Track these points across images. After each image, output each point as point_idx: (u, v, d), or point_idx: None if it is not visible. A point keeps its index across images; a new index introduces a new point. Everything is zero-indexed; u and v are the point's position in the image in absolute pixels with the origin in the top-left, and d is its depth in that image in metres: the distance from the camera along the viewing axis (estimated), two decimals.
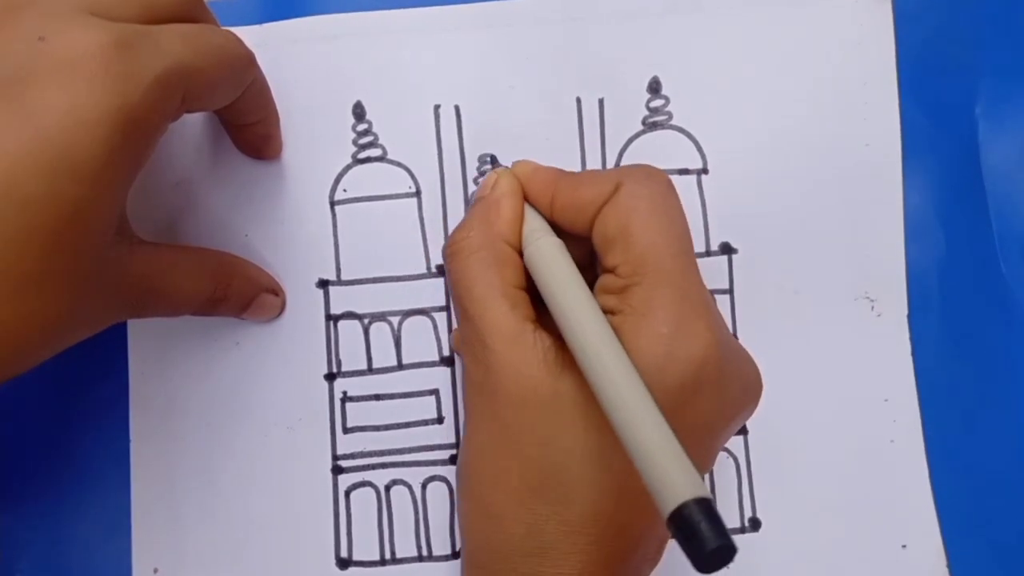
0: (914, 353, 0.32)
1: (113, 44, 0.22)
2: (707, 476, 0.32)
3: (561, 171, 0.28)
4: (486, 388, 0.25)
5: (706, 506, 0.19)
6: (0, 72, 0.21)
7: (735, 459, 0.32)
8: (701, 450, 0.25)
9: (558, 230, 0.27)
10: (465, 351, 0.26)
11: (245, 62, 0.27)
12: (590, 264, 0.28)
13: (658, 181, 0.26)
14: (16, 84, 0.21)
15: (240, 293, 0.30)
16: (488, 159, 0.32)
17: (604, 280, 0.26)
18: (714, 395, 0.24)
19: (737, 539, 0.30)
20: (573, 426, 0.24)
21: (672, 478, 0.20)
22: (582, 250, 0.27)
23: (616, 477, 0.24)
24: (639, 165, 0.27)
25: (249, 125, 0.30)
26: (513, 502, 0.24)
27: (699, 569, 0.19)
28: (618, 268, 0.25)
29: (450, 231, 0.32)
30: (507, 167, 0.29)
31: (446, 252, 0.28)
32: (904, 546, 0.31)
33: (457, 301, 0.27)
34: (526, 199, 0.28)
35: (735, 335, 0.32)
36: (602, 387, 0.22)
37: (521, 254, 0.27)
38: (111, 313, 0.26)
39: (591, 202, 0.26)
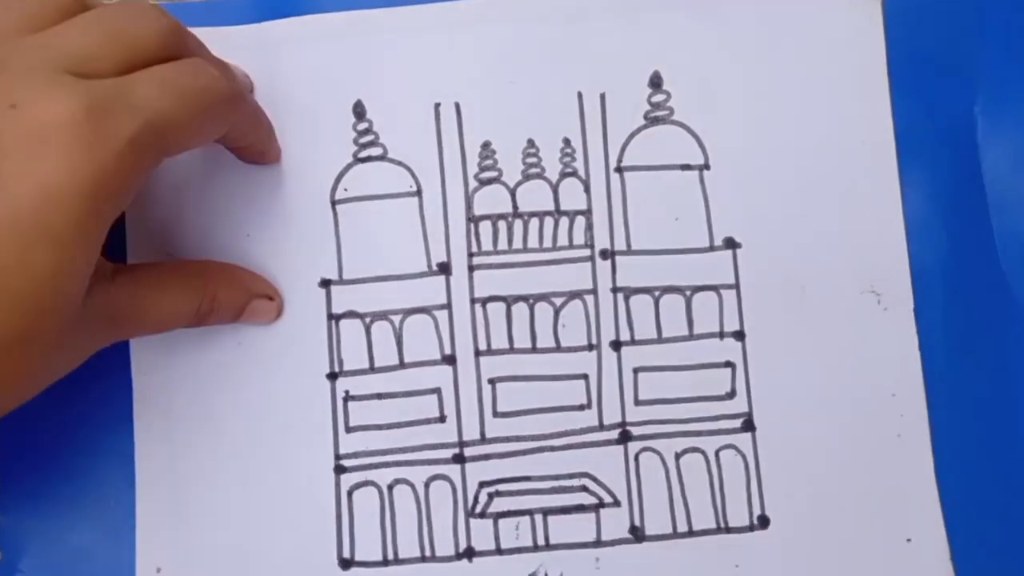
0: (921, 348, 0.32)
1: (84, 111, 0.22)
2: (715, 475, 0.31)
3: None
4: None
5: None
6: None
7: (743, 457, 0.32)
8: None
9: None
10: None
11: (230, 102, 0.27)
12: None
13: None
14: None
15: (228, 303, 0.30)
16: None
17: None
18: None
19: (744, 537, 0.31)
20: None
21: None
22: None
23: None
24: None
25: (242, 146, 0.30)
26: None
27: None
28: None
29: (451, 229, 0.32)
30: None
31: None
32: (909, 540, 0.31)
33: None
34: None
35: (742, 331, 0.32)
36: None
37: None
38: (95, 344, 0.26)
39: None
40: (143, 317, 0.28)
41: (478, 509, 0.31)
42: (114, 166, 0.22)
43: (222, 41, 0.30)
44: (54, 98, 0.22)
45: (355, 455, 0.31)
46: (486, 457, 0.31)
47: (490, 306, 0.32)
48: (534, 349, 0.32)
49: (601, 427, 0.32)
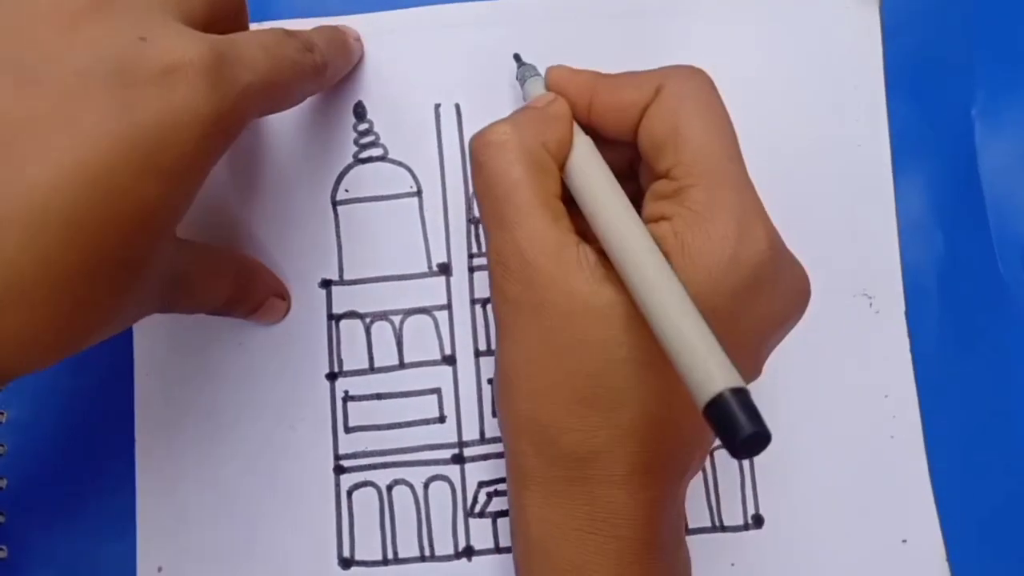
0: (913, 350, 0.32)
1: (210, 54, 0.23)
2: (709, 474, 0.32)
3: (598, 73, 0.27)
4: (527, 304, 0.24)
5: (741, 395, 0.19)
6: (104, 65, 0.22)
7: None
8: (753, 354, 0.25)
9: (596, 136, 0.26)
10: (496, 264, 0.25)
11: (319, 73, 0.28)
12: (630, 174, 0.27)
13: (702, 79, 0.26)
14: (118, 78, 0.22)
15: (255, 296, 0.31)
16: (519, 60, 0.31)
17: (656, 186, 0.25)
18: (769, 298, 0.24)
19: (739, 536, 0.31)
20: (625, 335, 0.23)
21: (707, 369, 0.20)
22: (622, 158, 0.26)
23: (667, 380, 0.23)
24: (680, 65, 0.26)
25: None
26: (563, 412, 0.24)
27: (734, 455, 0.19)
28: (672, 171, 0.24)
29: (451, 230, 0.32)
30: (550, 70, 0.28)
31: (477, 143, 0.25)
32: (904, 541, 0.31)
33: (489, 205, 0.25)
34: None
35: None
36: (635, 284, 0.22)
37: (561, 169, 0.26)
38: (147, 307, 0.26)
39: (633, 104, 0.25)
40: (192, 289, 0.28)
41: (477, 509, 0.32)
42: (230, 109, 0.23)
43: None
44: (181, 39, 0.23)
45: (354, 455, 0.32)
46: (485, 457, 0.32)
47: (490, 306, 0.32)
48: None
49: None
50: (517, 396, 0.25)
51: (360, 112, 0.33)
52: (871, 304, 0.32)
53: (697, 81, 0.26)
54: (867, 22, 0.33)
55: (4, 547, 0.31)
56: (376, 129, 0.33)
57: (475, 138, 0.25)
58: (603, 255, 0.24)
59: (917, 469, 0.32)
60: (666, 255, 0.23)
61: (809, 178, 0.33)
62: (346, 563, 0.31)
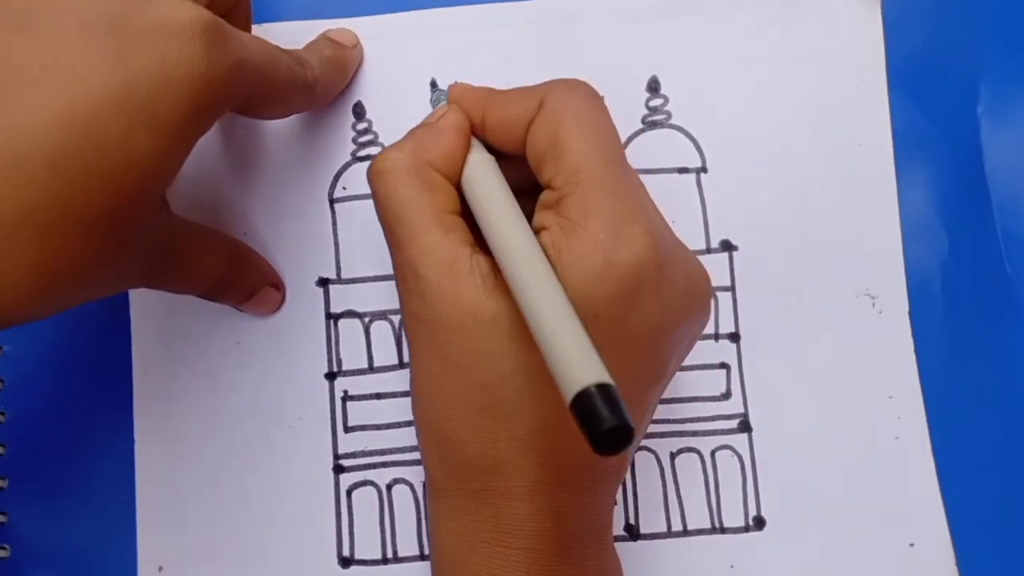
0: (918, 350, 0.32)
1: (210, 20, 0.23)
2: (711, 473, 0.32)
3: (491, 90, 0.28)
4: (424, 318, 0.25)
5: (605, 390, 0.19)
6: (103, 17, 0.22)
7: (739, 457, 0.32)
8: (651, 354, 0.25)
9: (496, 152, 0.27)
10: (399, 283, 0.26)
11: (309, 88, 0.28)
12: (536, 186, 0.27)
13: (581, 91, 0.26)
14: (116, 29, 0.22)
15: (247, 282, 0.31)
16: (433, 86, 0.32)
17: (542, 196, 0.26)
18: (656, 298, 0.24)
19: (740, 538, 0.31)
20: (512, 346, 0.24)
21: (573, 366, 0.20)
22: (527, 172, 0.26)
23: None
24: (562, 78, 0.27)
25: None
26: (462, 424, 0.25)
27: (596, 450, 0.19)
28: (552, 181, 0.25)
29: None
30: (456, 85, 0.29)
31: (368, 173, 0.27)
32: (912, 544, 0.31)
33: (385, 228, 0.26)
34: None
35: (737, 333, 0.32)
36: (513, 288, 0.23)
37: (456, 187, 0.26)
38: (136, 275, 0.26)
39: (519, 119, 0.26)
40: (184, 263, 0.28)
41: None
42: (222, 76, 0.23)
43: None
44: (183, 3, 0.23)
45: (354, 455, 0.32)
46: None
47: None
48: None
49: None
50: (423, 409, 0.26)
51: (359, 112, 0.33)
52: (874, 304, 0.32)
53: (577, 92, 0.26)
54: (869, 19, 0.33)
55: (7, 546, 0.31)
56: (375, 128, 0.33)
57: (368, 167, 0.27)
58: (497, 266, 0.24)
59: (924, 471, 0.31)
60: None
61: (811, 178, 0.32)
62: (346, 562, 0.31)
